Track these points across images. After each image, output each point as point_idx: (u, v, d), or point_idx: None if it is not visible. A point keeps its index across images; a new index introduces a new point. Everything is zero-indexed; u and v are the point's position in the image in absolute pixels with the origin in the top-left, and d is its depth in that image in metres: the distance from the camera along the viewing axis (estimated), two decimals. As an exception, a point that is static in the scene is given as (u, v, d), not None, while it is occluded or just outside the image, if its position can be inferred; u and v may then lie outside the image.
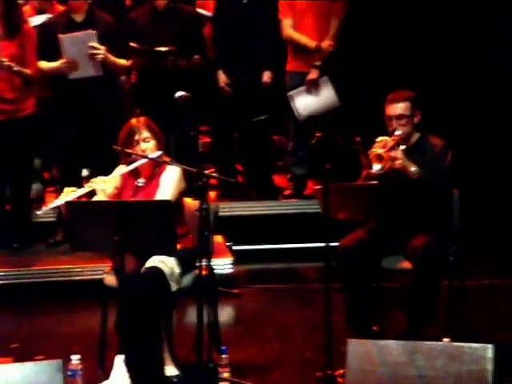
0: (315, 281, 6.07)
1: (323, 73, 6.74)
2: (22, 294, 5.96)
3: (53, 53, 6.23)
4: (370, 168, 4.76)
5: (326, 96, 6.77)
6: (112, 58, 6.24)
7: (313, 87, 6.76)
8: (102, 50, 6.15)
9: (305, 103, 6.77)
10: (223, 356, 4.39)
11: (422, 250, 4.66)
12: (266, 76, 6.89)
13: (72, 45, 6.15)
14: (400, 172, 4.76)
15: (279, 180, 7.46)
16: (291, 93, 6.78)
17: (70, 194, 4.46)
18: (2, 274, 6.07)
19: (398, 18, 7.07)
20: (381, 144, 4.77)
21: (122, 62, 6.34)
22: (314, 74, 6.76)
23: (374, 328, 4.76)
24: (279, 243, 6.87)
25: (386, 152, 4.73)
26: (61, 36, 6.15)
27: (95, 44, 6.14)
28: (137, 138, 4.63)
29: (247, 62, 6.83)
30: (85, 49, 6.16)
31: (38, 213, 4.60)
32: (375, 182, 4.69)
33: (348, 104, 6.76)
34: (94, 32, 6.17)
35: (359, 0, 6.90)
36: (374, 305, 4.77)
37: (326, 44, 6.70)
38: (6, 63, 6.09)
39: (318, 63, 6.74)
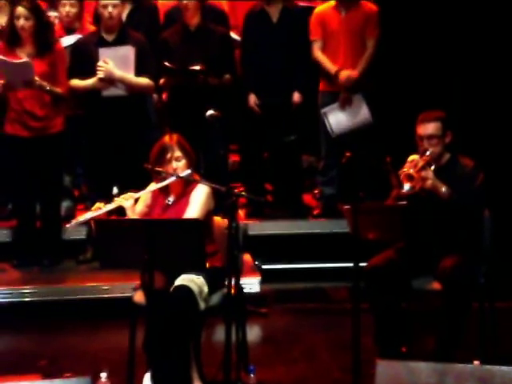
0: (343, 301, 6.05)
1: (357, 91, 6.74)
2: (51, 310, 5.99)
3: (85, 71, 6.29)
4: (400, 188, 4.75)
5: (359, 113, 6.77)
6: (122, 75, 6.24)
7: (347, 104, 6.77)
8: (106, 66, 6.18)
9: (338, 120, 6.77)
10: (251, 375, 4.38)
11: (451, 271, 4.62)
12: (296, 96, 6.90)
13: (110, 59, 6.20)
14: (430, 192, 4.74)
15: (309, 199, 7.45)
16: (325, 110, 6.78)
17: (99, 209, 4.48)
18: (32, 290, 6.10)
19: (431, 37, 7.05)
20: (411, 164, 4.76)
21: (142, 80, 6.36)
22: (346, 93, 6.75)
23: (403, 349, 4.73)
24: (308, 263, 6.85)
25: (417, 172, 4.72)
26: (101, 49, 6.20)
27: (106, 59, 6.18)
28: (169, 156, 4.64)
29: (277, 82, 6.85)
30: (121, 65, 6.21)
31: (67, 226, 4.62)
32: (405, 202, 4.67)
33: (379, 124, 6.75)
34: (133, 48, 6.22)
35: (389, 20, 6.90)
36: (403, 326, 4.74)
37: (345, 75, 6.70)
38: (37, 82, 6.15)
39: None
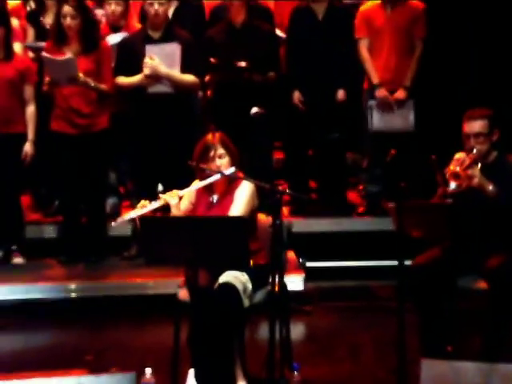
0: (388, 299, 6.02)
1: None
2: (96, 306, 6.05)
3: (132, 68, 6.33)
4: (446, 186, 4.71)
5: (404, 118, 6.75)
6: (168, 72, 6.26)
7: (396, 106, 6.73)
8: (152, 63, 6.20)
9: (382, 117, 6.75)
10: (295, 373, 4.38)
11: (498, 269, 4.58)
12: (341, 94, 6.88)
13: (156, 56, 6.23)
14: (477, 191, 4.70)
15: (353, 197, 7.43)
16: (372, 103, 6.76)
17: (144, 207, 4.50)
18: (78, 287, 6.16)
19: (478, 33, 6.99)
20: (458, 162, 4.72)
21: (188, 77, 6.37)
22: (402, 94, 6.74)
23: (449, 348, 4.69)
24: (352, 260, 6.83)
25: (463, 170, 4.68)
26: (147, 46, 6.23)
27: (152, 55, 6.21)
28: (212, 154, 4.65)
29: (322, 79, 6.83)
30: (167, 62, 6.24)
31: (112, 224, 4.65)
32: (450, 200, 4.63)
33: (425, 122, 6.71)
34: (179, 45, 6.24)
35: (435, 15, 6.84)
36: (449, 325, 4.70)
37: (381, 94, 6.67)
38: (82, 79, 6.20)
39: (408, 84, 6.71)
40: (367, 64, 6.78)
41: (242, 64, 6.52)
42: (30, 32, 7.03)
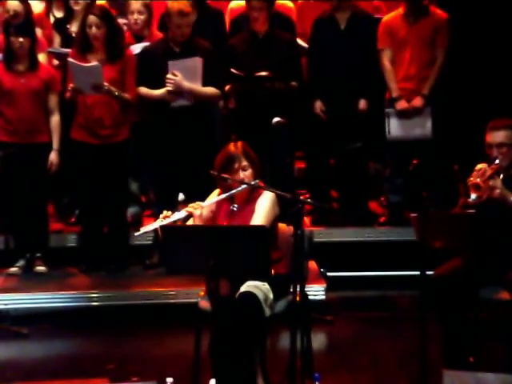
0: (409, 309, 5.99)
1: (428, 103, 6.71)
2: (118, 315, 6.06)
3: (153, 79, 6.35)
4: (468, 196, 4.69)
5: (422, 126, 6.74)
6: (191, 86, 6.27)
7: (414, 113, 6.72)
8: (175, 79, 6.23)
9: (399, 125, 6.75)
10: (316, 383, 4.37)
11: (520, 280, 4.55)
12: (362, 104, 6.87)
13: (179, 72, 6.25)
14: (499, 201, 4.67)
15: (375, 207, 7.41)
16: (390, 110, 6.76)
17: (167, 217, 4.51)
18: (99, 295, 6.17)
19: (501, 42, 6.95)
20: (479, 173, 4.69)
21: (209, 90, 6.38)
22: (419, 102, 6.73)
23: (471, 359, 4.67)
24: (373, 270, 6.81)
25: (485, 181, 4.65)
26: (170, 62, 6.25)
27: (175, 72, 6.22)
28: (236, 166, 4.63)
29: (343, 89, 6.83)
30: (189, 76, 6.25)
31: (135, 234, 4.67)
32: (472, 211, 4.61)
33: (448, 131, 6.69)
34: (201, 59, 6.25)
35: (456, 25, 6.82)
36: (471, 335, 4.67)
37: (401, 106, 6.68)
38: (106, 87, 6.23)
39: (426, 92, 6.70)
40: (389, 75, 6.78)
41: (263, 74, 6.53)
42: (57, 40, 7.08)
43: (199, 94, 6.34)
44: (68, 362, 5.34)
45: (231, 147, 4.71)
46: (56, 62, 6.97)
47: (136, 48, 6.67)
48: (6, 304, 6.08)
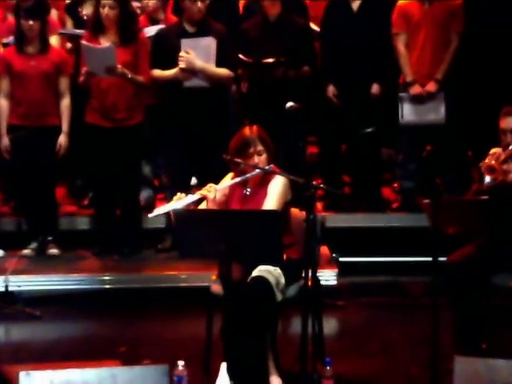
0: (421, 295, 5.99)
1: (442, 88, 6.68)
2: (130, 298, 6.08)
3: (167, 61, 6.34)
4: (481, 183, 4.68)
5: (435, 111, 6.71)
6: (203, 66, 6.26)
7: (427, 98, 6.70)
8: (187, 57, 6.21)
9: (412, 110, 6.73)
10: (327, 367, 4.36)
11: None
12: (375, 88, 6.85)
13: (192, 50, 6.24)
14: (512, 187, 4.66)
15: (388, 193, 7.39)
16: (403, 95, 6.73)
17: (180, 200, 4.51)
18: (111, 278, 6.20)
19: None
20: (494, 156, 4.69)
21: (222, 71, 6.36)
22: (433, 86, 6.70)
23: (483, 346, 4.66)
24: (386, 256, 6.80)
25: (499, 164, 4.65)
26: (183, 40, 6.25)
27: (187, 50, 6.21)
28: (251, 150, 4.61)
29: (356, 73, 6.80)
30: (202, 56, 6.24)
31: (149, 216, 4.67)
32: (486, 196, 4.60)
33: (461, 117, 6.66)
34: (215, 40, 6.24)
35: (470, 10, 6.78)
36: (484, 322, 4.67)
37: (416, 90, 6.65)
38: (119, 69, 6.22)
39: (440, 77, 6.67)
40: (403, 60, 6.75)
41: (269, 60, 6.49)
42: (69, 23, 7.09)
43: (212, 74, 6.32)
44: (80, 344, 5.36)
45: (246, 131, 4.70)
46: (69, 45, 6.97)
47: (150, 30, 6.67)
48: (18, 286, 6.11)
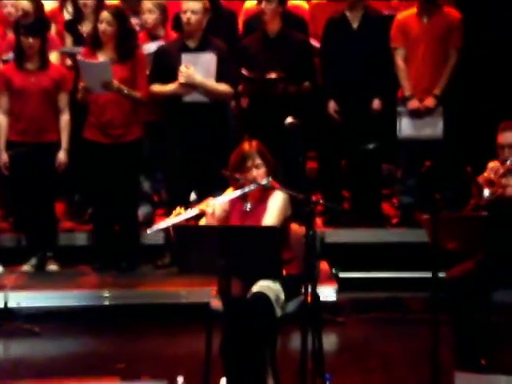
0: (421, 311, 5.98)
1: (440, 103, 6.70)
2: (129, 314, 6.07)
3: (167, 77, 6.36)
4: (480, 198, 4.68)
5: (433, 126, 6.73)
6: (203, 81, 6.27)
7: (425, 113, 6.71)
8: (187, 71, 6.22)
9: (410, 124, 6.75)
10: (327, 383, 4.36)
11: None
12: (376, 104, 6.86)
13: (192, 65, 6.25)
14: (511, 201, 4.66)
15: (387, 208, 7.39)
16: (401, 109, 6.75)
17: (180, 214, 4.51)
18: (111, 294, 6.18)
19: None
20: (492, 170, 4.70)
21: (222, 87, 6.37)
22: (431, 102, 6.72)
23: (483, 361, 4.65)
24: (385, 272, 6.79)
25: (498, 178, 4.66)
26: (183, 55, 6.26)
27: (187, 64, 6.22)
28: (249, 164, 4.64)
29: (357, 89, 6.81)
30: (202, 71, 6.26)
31: (148, 231, 4.67)
32: (486, 212, 4.60)
33: (460, 132, 6.67)
34: (215, 55, 6.26)
35: (468, 26, 6.80)
36: (483, 338, 4.66)
37: (413, 105, 6.68)
38: (116, 85, 6.23)
39: (438, 92, 6.69)
40: (402, 74, 6.78)
41: (273, 76, 6.51)
42: (68, 40, 7.10)
43: (211, 90, 6.34)
44: (79, 361, 5.35)
45: (246, 146, 4.71)
46: (69, 62, 6.99)
47: (150, 47, 6.68)
48: (18, 302, 6.10)
